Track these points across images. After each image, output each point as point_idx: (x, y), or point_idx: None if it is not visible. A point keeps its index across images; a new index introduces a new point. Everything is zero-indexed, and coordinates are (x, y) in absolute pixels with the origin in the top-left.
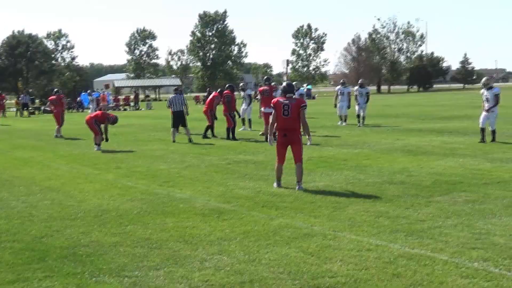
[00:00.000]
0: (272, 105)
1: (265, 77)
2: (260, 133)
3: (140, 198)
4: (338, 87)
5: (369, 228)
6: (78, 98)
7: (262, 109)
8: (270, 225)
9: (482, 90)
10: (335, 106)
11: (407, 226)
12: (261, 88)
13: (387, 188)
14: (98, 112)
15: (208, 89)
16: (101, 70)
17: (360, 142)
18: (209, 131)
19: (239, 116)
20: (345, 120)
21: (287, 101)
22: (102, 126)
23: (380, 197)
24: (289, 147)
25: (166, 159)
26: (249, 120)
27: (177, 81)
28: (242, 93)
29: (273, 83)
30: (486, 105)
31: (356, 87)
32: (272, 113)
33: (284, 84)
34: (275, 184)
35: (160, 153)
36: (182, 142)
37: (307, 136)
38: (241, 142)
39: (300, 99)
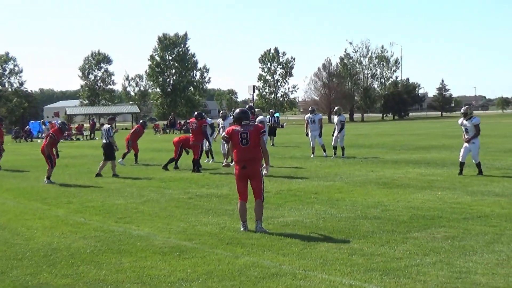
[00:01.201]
0: (226, 135)
1: (247, 105)
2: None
3: (93, 235)
4: (308, 115)
5: (342, 266)
6: (27, 127)
7: None
8: (235, 264)
9: (461, 120)
10: (307, 134)
11: (383, 265)
12: None
13: (361, 224)
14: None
15: (170, 117)
16: (52, 97)
17: (332, 174)
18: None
19: (209, 146)
20: (324, 150)
21: (244, 129)
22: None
23: (354, 233)
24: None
25: (122, 193)
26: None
27: (135, 109)
28: (221, 123)
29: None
30: (466, 136)
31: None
32: (229, 144)
33: (237, 110)
34: (241, 228)
35: (116, 187)
36: (140, 177)
37: (264, 164)
38: (204, 174)
39: (258, 125)
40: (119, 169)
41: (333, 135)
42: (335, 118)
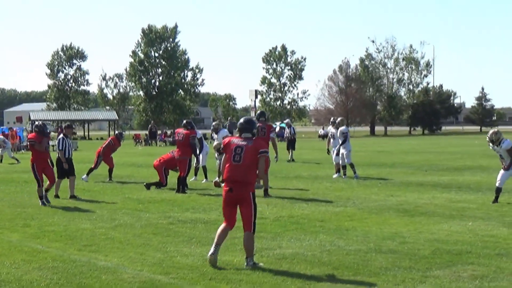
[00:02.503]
0: (222, 145)
1: (259, 112)
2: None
3: (51, 266)
4: (329, 127)
5: None
6: None
7: None
8: None
9: (491, 146)
10: (328, 152)
11: None
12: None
13: (373, 258)
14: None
15: (150, 125)
16: (14, 98)
17: (343, 198)
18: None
19: (198, 163)
20: (342, 170)
21: (241, 143)
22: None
23: (363, 269)
24: None
25: (90, 216)
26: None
27: (113, 115)
28: (214, 136)
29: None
30: (503, 163)
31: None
32: (223, 157)
33: (242, 120)
34: (211, 250)
35: (85, 207)
36: (114, 196)
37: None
38: (190, 195)
39: (259, 143)
40: (86, 186)
41: (332, 152)
42: (334, 130)
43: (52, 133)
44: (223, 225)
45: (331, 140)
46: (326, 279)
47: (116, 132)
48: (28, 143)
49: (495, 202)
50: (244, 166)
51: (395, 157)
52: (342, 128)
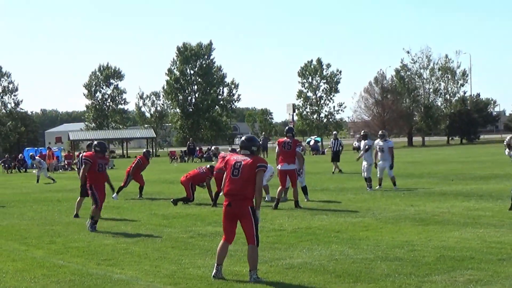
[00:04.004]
0: (224, 165)
1: (287, 128)
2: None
3: (69, 279)
4: (377, 141)
5: None
6: (20, 155)
7: (279, 166)
8: None
9: (507, 151)
10: (376, 166)
11: None
12: (281, 140)
13: (377, 266)
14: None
15: (188, 142)
16: (55, 119)
17: (364, 208)
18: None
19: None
20: (394, 183)
21: (241, 158)
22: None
23: (365, 276)
24: None
25: (114, 232)
26: None
27: (151, 133)
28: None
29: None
30: None
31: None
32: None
33: (243, 138)
34: (213, 272)
35: (110, 224)
36: (141, 212)
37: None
38: (215, 209)
39: (257, 158)
40: (115, 203)
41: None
42: (361, 143)
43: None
44: (221, 243)
45: (379, 153)
46: (325, 286)
47: (144, 151)
48: (83, 161)
49: (511, 209)
50: (241, 180)
51: (424, 168)
52: (368, 141)
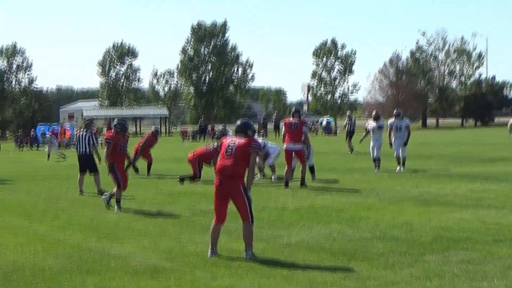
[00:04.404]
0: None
1: (293, 109)
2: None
3: (67, 254)
4: (391, 120)
5: None
6: (32, 132)
7: (285, 145)
8: (209, 287)
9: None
10: (391, 145)
11: None
12: (288, 120)
13: (372, 245)
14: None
15: (200, 121)
16: (70, 96)
17: (368, 189)
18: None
19: None
20: (403, 164)
21: (235, 139)
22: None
23: (360, 255)
24: None
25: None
26: None
27: (164, 111)
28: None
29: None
30: None
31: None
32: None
33: (238, 122)
34: (208, 252)
35: (113, 202)
36: (146, 190)
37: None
38: None
39: (250, 138)
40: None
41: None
42: (373, 124)
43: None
44: (213, 224)
45: (394, 132)
46: (319, 264)
47: (153, 129)
48: (105, 142)
49: None
50: (234, 158)
51: (434, 149)
52: (380, 122)
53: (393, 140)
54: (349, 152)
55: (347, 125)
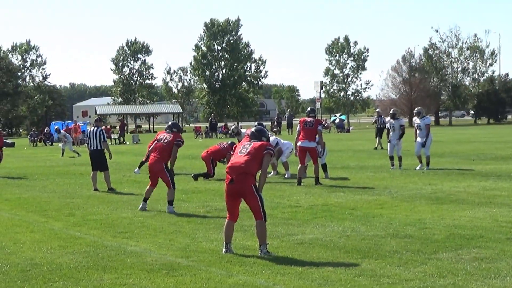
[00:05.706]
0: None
1: (309, 108)
2: None
3: (84, 251)
4: (388, 119)
5: None
6: (46, 128)
7: (299, 143)
8: (225, 283)
9: None
10: (389, 142)
11: (387, 286)
12: (303, 119)
13: (386, 243)
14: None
15: (210, 118)
16: (84, 93)
17: (381, 187)
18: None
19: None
20: (427, 163)
21: (250, 142)
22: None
23: (373, 253)
24: None
25: (133, 206)
26: None
27: (177, 108)
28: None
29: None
30: None
31: (387, 118)
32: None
33: (253, 129)
34: (223, 249)
35: (128, 199)
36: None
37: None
38: None
39: (264, 143)
40: (137, 178)
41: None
42: (392, 122)
43: (116, 127)
44: (226, 222)
45: (417, 131)
46: (333, 261)
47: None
48: (176, 144)
49: None
50: (247, 156)
51: (446, 147)
52: (400, 120)
53: (416, 139)
54: (378, 148)
55: (376, 122)
